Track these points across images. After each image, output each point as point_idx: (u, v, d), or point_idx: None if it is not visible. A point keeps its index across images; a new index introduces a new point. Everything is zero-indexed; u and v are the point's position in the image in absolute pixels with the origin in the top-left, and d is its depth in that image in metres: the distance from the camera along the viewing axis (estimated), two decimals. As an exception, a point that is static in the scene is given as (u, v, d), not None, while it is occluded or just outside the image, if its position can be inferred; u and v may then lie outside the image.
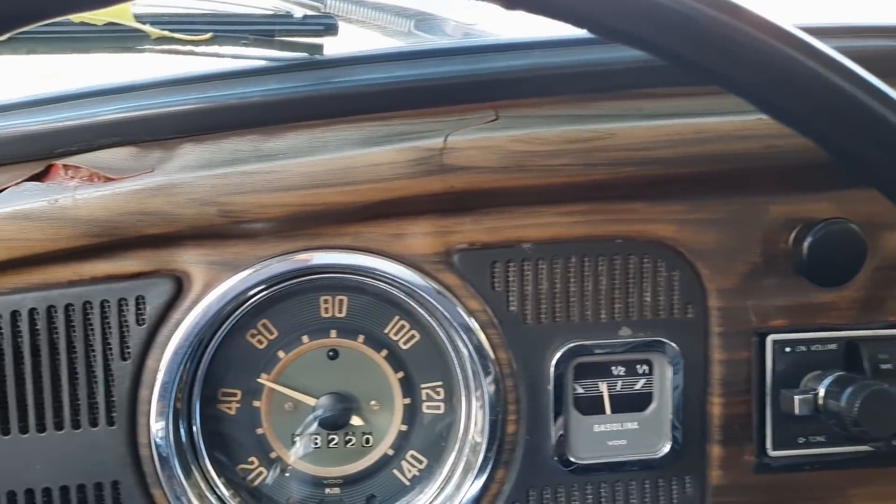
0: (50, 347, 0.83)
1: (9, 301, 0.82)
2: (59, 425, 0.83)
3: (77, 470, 0.84)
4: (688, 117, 0.85)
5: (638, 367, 0.92)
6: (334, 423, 0.93)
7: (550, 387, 0.89)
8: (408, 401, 0.94)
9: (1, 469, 0.83)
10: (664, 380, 0.91)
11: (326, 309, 0.93)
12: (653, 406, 0.92)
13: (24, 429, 0.83)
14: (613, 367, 0.91)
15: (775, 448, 0.91)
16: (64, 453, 0.84)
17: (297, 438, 0.93)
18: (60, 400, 0.83)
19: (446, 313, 0.88)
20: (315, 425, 0.92)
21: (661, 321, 0.90)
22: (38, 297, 0.82)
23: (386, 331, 0.93)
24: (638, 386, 0.92)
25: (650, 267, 0.90)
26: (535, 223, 0.87)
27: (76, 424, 0.84)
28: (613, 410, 0.92)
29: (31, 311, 0.82)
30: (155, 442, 0.85)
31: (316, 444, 0.94)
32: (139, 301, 0.84)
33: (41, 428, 0.83)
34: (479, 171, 0.81)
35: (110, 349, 0.84)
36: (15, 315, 0.82)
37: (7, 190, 0.82)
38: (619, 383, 0.92)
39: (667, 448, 0.92)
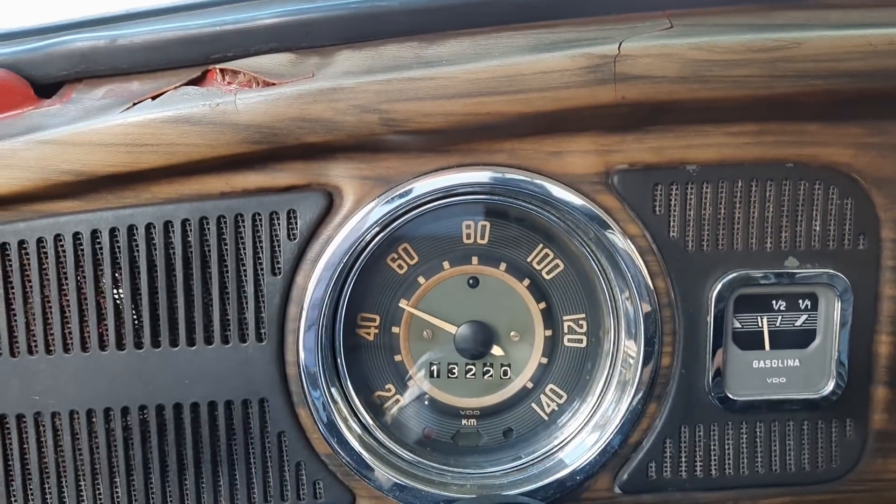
0: (201, 261, 0.81)
1: (162, 211, 0.80)
2: (208, 340, 0.82)
3: (226, 385, 0.82)
4: (880, 27, 0.79)
5: (800, 301, 0.87)
6: (473, 352, 0.90)
7: (710, 318, 0.84)
8: (549, 332, 0.91)
9: (151, 383, 0.82)
10: (830, 315, 0.86)
11: (468, 235, 0.89)
12: (816, 342, 0.87)
13: (174, 342, 0.82)
14: (774, 301, 0.86)
15: (946, 392, 0.86)
16: (213, 368, 0.82)
17: (425, 366, 0.91)
18: (211, 314, 0.82)
19: (602, 237, 0.84)
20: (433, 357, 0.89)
21: (830, 252, 0.85)
22: (191, 207, 0.80)
23: (529, 259, 0.90)
24: (799, 322, 0.87)
25: (821, 194, 0.84)
26: (702, 143, 0.82)
27: (226, 339, 0.82)
28: (772, 346, 0.87)
29: (184, 223, 0.80)
30: (303, 361, 0.83)
31: (452, 373, 0.91)
32: (291, 215, 0.81)
33: (191, 342, 0.82)
34: (655, 81, 0.76)
35: (261, 264, 0.82)
36: (168, 226, 0.80)
37: (165, 95, 0.80)
38: (780, 318, 0.87)
39: (829, 387, 0.87)
